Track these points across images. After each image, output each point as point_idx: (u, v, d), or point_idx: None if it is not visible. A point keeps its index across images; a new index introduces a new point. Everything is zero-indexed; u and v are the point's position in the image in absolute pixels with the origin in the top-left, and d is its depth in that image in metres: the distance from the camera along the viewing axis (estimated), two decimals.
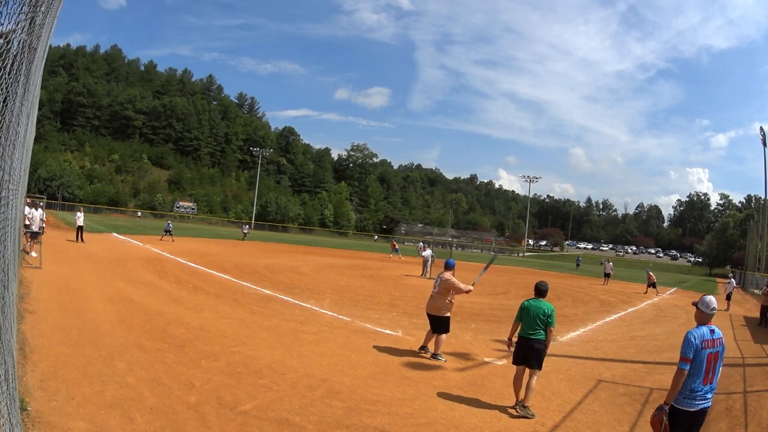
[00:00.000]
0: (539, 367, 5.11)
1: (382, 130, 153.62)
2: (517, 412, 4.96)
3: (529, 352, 5.08)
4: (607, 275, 25.55)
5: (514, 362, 5.18)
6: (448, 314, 6.92)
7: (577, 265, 46.32)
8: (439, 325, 6.88)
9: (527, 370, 5.11)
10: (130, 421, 3.92)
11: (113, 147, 77.91)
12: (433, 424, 4.57)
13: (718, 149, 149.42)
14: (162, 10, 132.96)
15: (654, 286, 21.93)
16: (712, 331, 3.62)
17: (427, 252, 20.80)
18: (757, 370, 8.22)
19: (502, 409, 5.14)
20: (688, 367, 3.50)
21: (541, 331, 5.08)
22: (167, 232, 25.98)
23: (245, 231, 37.63)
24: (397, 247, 32.25)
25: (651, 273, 22.75)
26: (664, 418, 3.53)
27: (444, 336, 6.89)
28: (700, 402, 3.52)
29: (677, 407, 3.55)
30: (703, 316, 3.70)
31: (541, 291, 5.35)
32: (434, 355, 6.85)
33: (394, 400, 5.09)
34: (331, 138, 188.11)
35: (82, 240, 19.06)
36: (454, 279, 7.05)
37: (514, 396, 5.09)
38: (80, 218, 19.73)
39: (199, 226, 55.63)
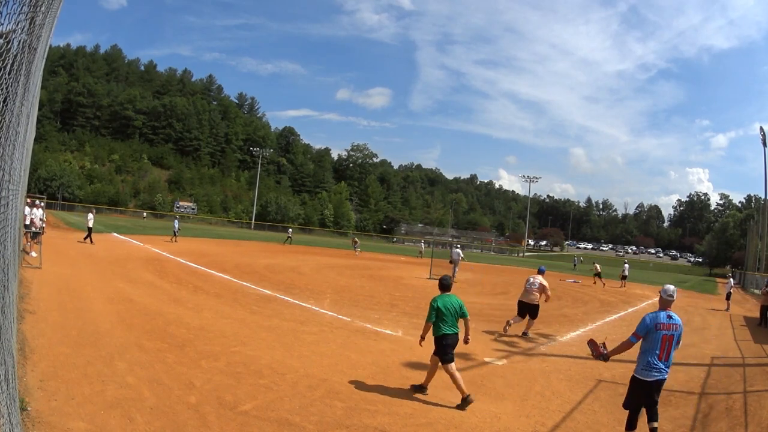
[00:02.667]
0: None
1: (382, 130, 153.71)
2: (461, 405, 5.02)
3: (453, 347, 5.24)
4: (623, 277, 25.15)
5: (445, 361, 5.19)
6: (539, 303, 9.35)
7: (575, 265, 46.40)
8: (534, 311, 9.33)
9: (454, 365, 5.23)
10: (130, 421, 3.92)
11: (113, 147, 77.89)
12: (433, 424, 4.57)
13: (718, 149, 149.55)
14: (162, 9, 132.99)
15: (599, 276, 25.00)
16: (670, 317, 4.28)
17: (457, 251, 21.53)
18: (757, 370, 8.22)
19: (502, 409, 5.14)
20: (635, 341, 4.31)
21: (457, 326, 5.28)
22: (175, 233, 25.61)
23: (289, 234, 37.51)
24: (357, 243, 32.85)
25: (597, 265, 26.84)
26: (597, 348, 4.69)
27: (534, 320, 9.41)
28: (656, 374, 4.22)
29: (637, 377, 4.29)
30: (663, 302, 4.39)
31: (445, 286, 5.48)
32: (524, 333, 9.19)
33: (394, 400, 5.09)
34: (331, 138, 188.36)
35: (90, 241, 19.04)
36: (546, 283, 9.48)
37: (462, 390, 5.06)
38: (91, 219, 19.73)
39: (200, 226, 55.62)
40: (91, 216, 19.97)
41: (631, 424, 4.41)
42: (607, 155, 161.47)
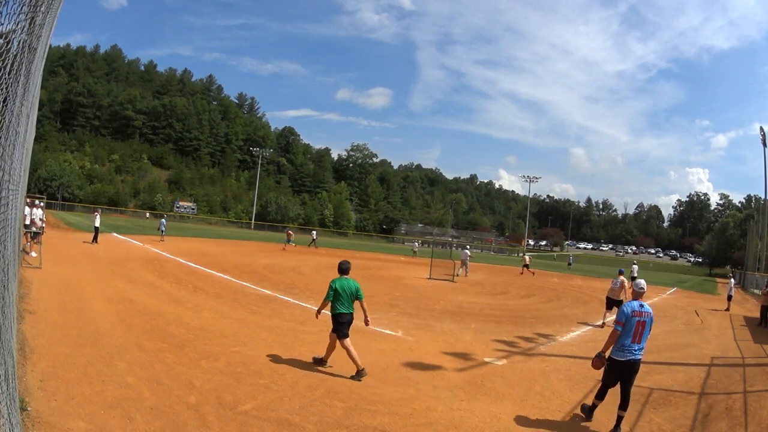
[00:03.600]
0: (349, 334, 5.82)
1: (382, 130, 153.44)
2: (355, 377, 5.61)
3: (350, 325, 5.81)
4: (633, 279, 24.93)
5: (341, 336, 5.74)
6: (622, 298, 10.75)
7: (569, 264, 46.56)
8: (620, 305, 10.52)
9: (349, 341, 5.75)
10: (130, 421, 3.92)
11: (113, 147, 77.85)
12: (433, 424, 4.57)
13: (718, 149, 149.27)
14: (162, 9, 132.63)
15: (527, 267, 26.63)
16: (642, 306, 4.98)
17: (465, 252, 23.13)
18: (757, 370, 8.22)
19: (502, 409, 5.14)
20: (619, 329, 4.92)
21: (352, 306, 5.88)
22: (162, 232, 25.11)
23: (314, 237, 37.19)
24: (292, 237, 32.31)
25: (526, 256, 28.97)
26: (601, 360, 5.04)
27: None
28: (629, 355, 4.87)
29: (613, 358, 4.95)
30: (635, 294, 5.13)
31: (344, 270, 6.00)
32: (605, 324, 11.22)
33: (394, 400, 5.09)
34: (331, 138, 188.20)
35: (95, 241, 19.04)
36: (627, 281, 11.28)
37: (357, 364, 5.62)
38: (98, 219, 19.73)
39: (200, 226, 55.63)
40: (97, 216, 19.97)
41: (602, 394, 5.07)
42: (607, 155, 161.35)
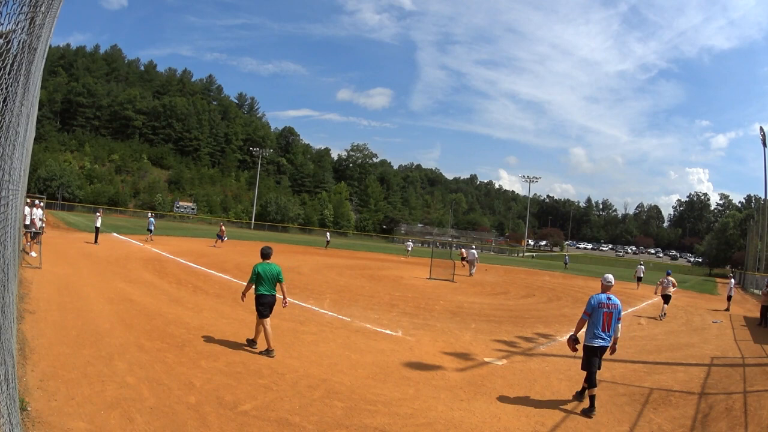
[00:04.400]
0: (271, 314, 6.34)
1: (383, 130, 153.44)
2: (265, 353, 6.18)
3: (271, 306, 6.30)
4: (639, 279, 24.83)
5: (262, 316, 6.26)
6: (671, 294, 14.15)
7: (565, 264, 46.67)
8: (668, 300, 14.18)
9: (269, 320, 6.28)
10: (130, 421, 3.92)
11: (113, 147, 77.82)
12: (432, 424, 4.57)
13: (718, 149, 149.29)
14: (163, 9, 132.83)
15: (463, 259, 26.87)
16: (609, 298, 5.52)
17: (473, 252, 23.53)
18: (757, 370, 8.22)
19: (502, 409, 5.14)
20: (586, 318, 5.52)
21: (274, 289, 6.38)
22: (150, 231, 23.37)
23: (328, 239, 37.03)
24: (224, 233, 26.62)
25: (463, 249, 28.94)
26: (573, 342, 5.64)
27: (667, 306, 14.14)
28: (600, 341, 5.46)
29: (588, 345, 5.49)
30: (603, 287, 5.64)
31: (266, 255, 6.58)
32: (661, 316, 13.58)
33: (393, 400, 5.09)
34: (331, 138, 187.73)
35: (95, 241, 19.03)
36: (674, 280, 14.52)
37: (268, 343, 6.20)
38: (99, 220, 19.71)
39: (200, 226, 55.61)
40: (99, 216, 19.95)
41: (592, 380, 5.43)
42: (608, 155, 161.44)
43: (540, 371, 6.85)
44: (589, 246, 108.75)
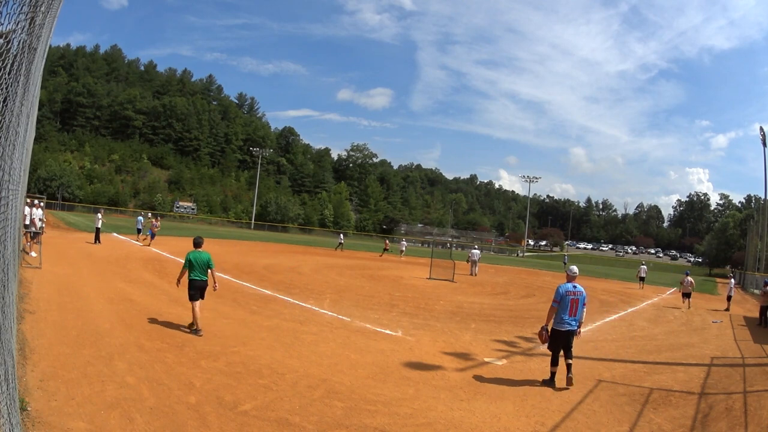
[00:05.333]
0: (203, 296, 7.04)
1: (383, 130, 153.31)
2: (193, 332, 6.83)
3: (201, 291, 6.98)
4: (641, 279, 24.96)
5: (193, 299, 6.92)
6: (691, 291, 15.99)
7: (564, 264, 46.71)
8: (689, 296, 16.32)
9: (199, 303, 6.91)
10: (130, 421, 3.92)
11: (113, 147, 77.84)
12: (432, 424, 4.57)
13: (718, 150, 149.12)
14: (163, 9, 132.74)
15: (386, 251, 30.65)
16: (575, 287, 6.16)
17: (476, 252, 23.84)
18: (757, 370, 8.22)
19: (502, 409, 5.14)
20: (556, 305, 6.08)
21: (205, 275, 7.03)
22: (139, 230, 22.10)
23: (341, 240, 36.39)
24: (156, 228, 21.64)
25: (387, 240, 31.64)
26: (545, 333, 6.18)
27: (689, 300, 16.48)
28: (567, 326, 6.08)
29: (555, 329, 6.11)
30: (569, 277, 6.29)
31: (197, 244, 7.25)
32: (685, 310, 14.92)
33: (393, 400, 5.09)
34: (332, 138, 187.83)
35: (98, 241, 19.01)
36: (693, 280, 15.44)
37: (196, 323, 6.89)
38: (99, 220, 19.67)
39: (200, 226, 55.63)
40: (99, 216, 19.91)
41: (555, 361, 6.20)
42: (608, 155, 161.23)
43: (540, 371, 6.84)
44: (589, 246, 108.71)
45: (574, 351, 8.54)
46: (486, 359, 7.27)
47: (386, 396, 5.18)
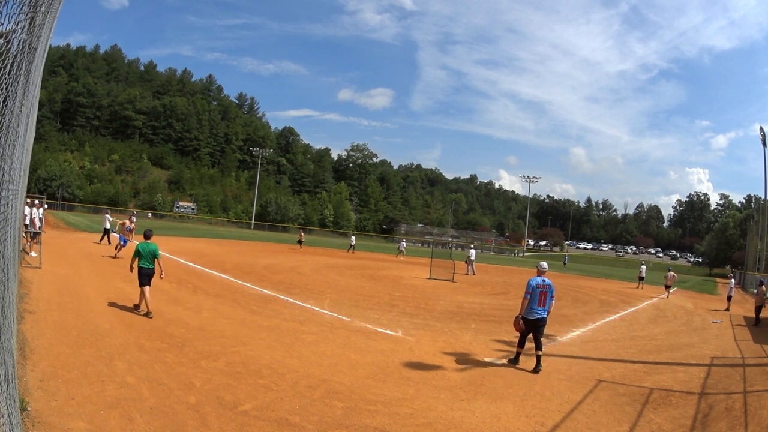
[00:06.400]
0: (150, 284, 7.77)
1: (383, 130, 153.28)
2: (144, 315, 7.57)
3: (149, 277, 7.75)
4: (641, 278, 25.28)
5: (142, 285, 7.69)
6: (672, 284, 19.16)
7: (564, 263, 46.71)
8: (670, 289, 19.61)
9: (147, 288, 7.70)
10: (130, 421, 3.92)
11: (113, 147, 77.86)
12: (432, 424, 4.57)
13: (718, 150, 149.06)
14: (163, 9, 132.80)
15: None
16: (544, 280, 6.89)
17: (473, 251, 24.21)
18: (757, 370, 8.22)
19: (502, 409, 5.14)
20: (528, 297, 6.82)
21: (152, 264, 7.82)
22: (130, 231, 19.03)
23: (352, 242, 35.99)
24: (129, 230, 17.96)
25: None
26: (521, 322, 6.85)
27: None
28: (536, 315, 6.81)
29: (525, 317, 6.84)
30: (538, 272, 7.03)
31: (147, 236, 8.08)
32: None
33: (393, 400, 5.09)
34: (332, 138, 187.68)
35: (106, 241, 18.94)
36: (675, 274, 18.85)
37: (146, 307, 7.65)
38: (108, 221, 19.62)
39: (200, 226, 55.63)
40: (108, 217, 19.86)
41: (521, 343, 7.03)
42: (608, 155, 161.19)
43: (540, 371, 6.85)
44: (589, 246, 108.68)
45: (574, 351, 8.56)
46: (486, 359, 7.27)
47: (386, 396, 5.18)
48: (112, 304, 8.24)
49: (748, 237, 52.18)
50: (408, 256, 34.67)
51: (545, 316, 6.86)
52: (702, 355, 9.01)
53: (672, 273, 22.14)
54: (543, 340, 9.14)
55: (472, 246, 27.86)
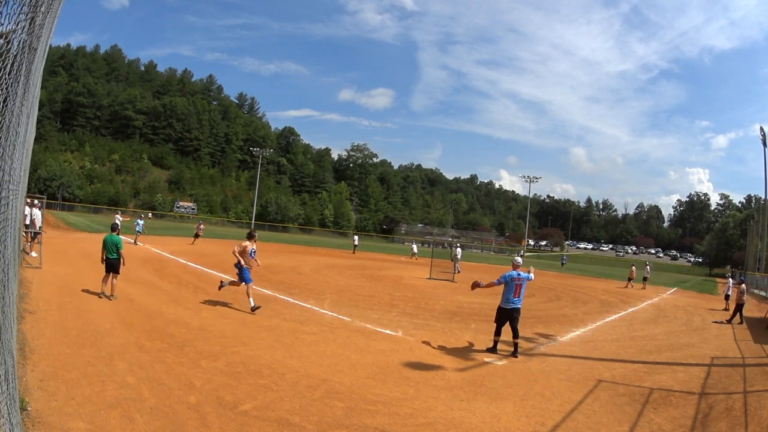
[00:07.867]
0: (118, 272, 8.69)
1: (383, 130, 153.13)
2: (107, 298, 8.46)
3: (115, 266, 8.60)
4: (644, 279, 25.48)
5: (107, 272, 8.58)
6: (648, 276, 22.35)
7: (563, 263, 46.71)
8: (646, 280, 22.79)
9: (113, 275, 8.57)
10: (130, 421, 3.92)
11: (113, 147, 77.87)
12: (432, 424, 4.57)
13: (718, 150, 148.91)
14: (163, 9, 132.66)
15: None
16: (518, 274, 7.42)
17: (459, 250, 24.53)
18: (757, 370, 8.22)
19: (502, 409, 5.14)
20: (497, 283, 7.55)
21: (116, 254, 8.60)
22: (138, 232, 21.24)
23: (355, 243, 35.92)
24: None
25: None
26: (477, 285, 8.04)
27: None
28: (511, 305, 7.43)
29: (501, 307, 7.54)
30: (513, 266, 7.54)
31: (113, 229, 9.05)
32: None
33: (393, 400, 5.09)
34: (332, 138, 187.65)
35: (136, 242, 19.06)
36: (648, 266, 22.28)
37: (109, 292, 8.55)
38: (119, 220, 19.71)
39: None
40: (119, 217, 19.95)
41: (498, 332, 7.61)
42: (608, 155, 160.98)
43: (540, 371, 6.85)
44: (590, 246, 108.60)
45: (574, 351, 8.56)
46: (486, 359, 7.27)
47: (386, 396, 5.18)
48: (112, 304, 8.23)
49: (748, 237, 52.15)
50: (406, 256, 34.64)
51: (519, 306, 7.48)
52: (702, 355, 9.01)
53: (648, 268, 25.59)
54: (543, 340, 9.24)
55: (458, 244, 27.97)
